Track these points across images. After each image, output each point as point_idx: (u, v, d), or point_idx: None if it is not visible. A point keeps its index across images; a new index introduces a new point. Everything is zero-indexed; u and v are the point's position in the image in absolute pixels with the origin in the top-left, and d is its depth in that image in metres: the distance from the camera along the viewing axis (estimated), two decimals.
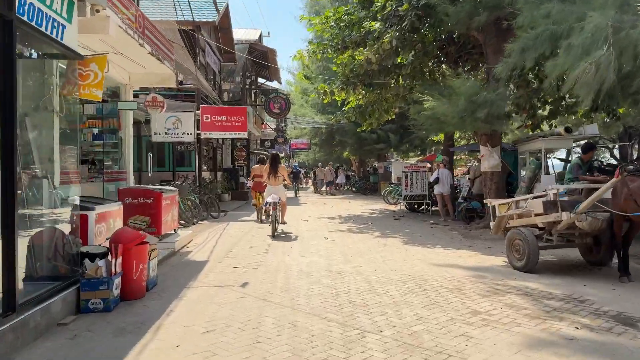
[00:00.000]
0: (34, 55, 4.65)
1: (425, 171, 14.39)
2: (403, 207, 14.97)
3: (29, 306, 3.86)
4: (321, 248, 8.26)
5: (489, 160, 10.37)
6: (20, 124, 4.29)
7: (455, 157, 18.61)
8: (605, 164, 13.04)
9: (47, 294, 4.22)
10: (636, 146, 20.39)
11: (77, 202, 5.16)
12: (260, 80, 28.65)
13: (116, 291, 4.70)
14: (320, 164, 34.99)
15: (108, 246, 4.93)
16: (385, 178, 25.03)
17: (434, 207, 14.27)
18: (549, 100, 10.75)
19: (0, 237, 3.65)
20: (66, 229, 4.99)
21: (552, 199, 6.20)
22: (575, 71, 5.50)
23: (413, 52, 11.80)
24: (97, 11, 4.97)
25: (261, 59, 22.32)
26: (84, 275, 4.57)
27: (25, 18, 3.81)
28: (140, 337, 3.87)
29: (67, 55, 4.74)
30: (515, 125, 12.96)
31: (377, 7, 11.42)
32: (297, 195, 25.06)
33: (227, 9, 17.44)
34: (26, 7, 3.82)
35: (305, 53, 13.73)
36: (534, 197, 6.67)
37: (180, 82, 14.99)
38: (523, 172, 10.91)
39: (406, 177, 14.21)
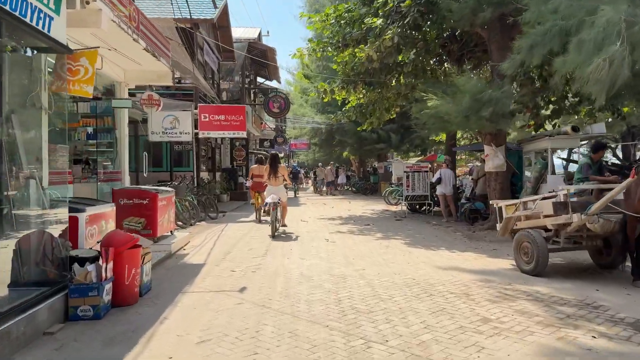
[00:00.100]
0: (20, 48, 4.41)
1: (426, 171, 14.17)
2: (404, 208, 14.75)
3: (12, 315, 3.63)
4: (322, 250, 8.02)
5: (494, 160, 10.14)
6: (6, 121, 4.06)
7: (455, 157, 18.38)
8: (610, 163, 12.86)
9: (33, 301, 3.98)
10: (639, 146, 20.17)
11: (67, 203, 4.93)
12: (260, 79, 28.42)
13: (107, 297, 4.46)
14: (320, 163, 34.79)
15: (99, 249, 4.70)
16: (386, 178, 24.82)
17: (436, 208, 14.05)
18: (553, 100, 10.55)
19: None
20: (55, 231, 4.76)
21: (562, 200, 5.97)
22: (589, 68, 5.25)
23: (415, 50, 11.59)
24: (87, 3, 4.73)
25: (260, 57, 22.09)
26: (72, 281, 4.33)
27: (7, 7, 3.57)
28: (131, 348, 3.63)
29: (56, 49, 4.51)
30: (518, 124, 12.76)
31: (378, 3, 11.20)
32: (297, 195, 24.85)
33: (225, 6, 17.20)
34: None
35: (305, 51, 13.50)
36: (543, 198, 6.44)
37: (179, 81, 14.77)
38: (527, 173, 10.69)
39: (408, 177, 14.00)
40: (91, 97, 5.30)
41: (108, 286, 4.48)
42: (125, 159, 8.35)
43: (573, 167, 11.63)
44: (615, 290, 5.37)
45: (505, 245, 8.09)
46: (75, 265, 4.40)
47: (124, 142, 8.30)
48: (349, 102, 14.97)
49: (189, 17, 13.64)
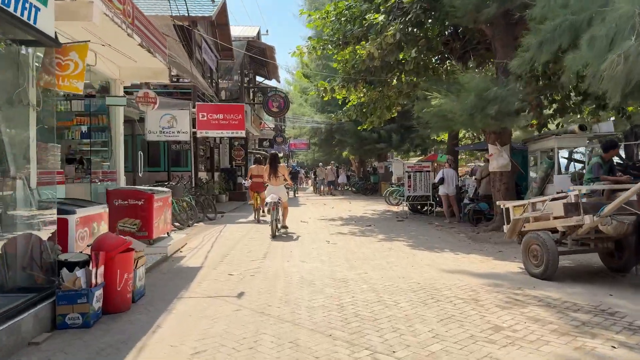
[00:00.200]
0: (5, 41, 4.17)
1: (428, 171, 13.94)
2: (406, 208, 14.52)
3: None
4: (323, 252, 7.79)
5: (498, 160, 9.91)
6: None
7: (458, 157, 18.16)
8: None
9: (18, 308, 3.74)
10: None
11: (56, 204, 4.69)
12: (259, 78, 28.17)
13: (97, 304, 4.22)
14: (321, 163, 34.59)
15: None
16: (386, 178, 24.62)
17: (438, 208, 13.82)
18: (557, 99, 10.33)
19: None
20: (44, 234, 4.53)
21: (573, 201, 5.74)
22: (603, 64, 5.02)
23: (417, 48, 11.37)
24: None
25: (260, 56, 21.84)
26: (60, 287, 4.09)
27: None
28: None
29: (43, 42, 4.27)
30: (521, 124, 12.54)
31: None
32: (296, 195, 24.62)
33: (224, 4, 16.95)
34: None
35: (304, 49, 13.26)
36: (553, 199, 6.21)
37: (177, 80, 14.54)
38: (532, 173, 10.47)
39: (409, 177, 13.76)
40: (81, 93, 5.06)
41: (98, 292, 4.24)
42: (120, 159, 8.11)
43: (573, 167, 11.44)
44: (630, 295, 5.14)
45: (511, 247, 7.86)
46: (64, 271, 4.17)
47: (119, 141, 8.06)
48: (349, 101, 14.74)
49: (187, 14, 13.40)
